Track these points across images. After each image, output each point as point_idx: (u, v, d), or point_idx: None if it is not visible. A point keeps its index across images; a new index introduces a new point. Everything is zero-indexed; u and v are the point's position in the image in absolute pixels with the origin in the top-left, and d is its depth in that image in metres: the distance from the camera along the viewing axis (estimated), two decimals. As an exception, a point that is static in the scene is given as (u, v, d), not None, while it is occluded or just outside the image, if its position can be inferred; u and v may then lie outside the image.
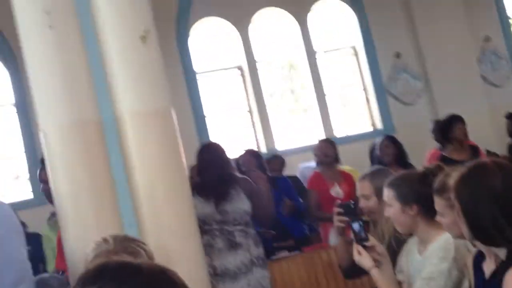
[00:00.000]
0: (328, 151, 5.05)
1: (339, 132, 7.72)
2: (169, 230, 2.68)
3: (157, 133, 2.80)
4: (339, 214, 2.74)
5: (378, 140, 5.20)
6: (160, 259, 2.46)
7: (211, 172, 3.90)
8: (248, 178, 4.05)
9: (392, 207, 2.47)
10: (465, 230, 1.82)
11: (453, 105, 6.62)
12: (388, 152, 4.84)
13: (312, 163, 5.55)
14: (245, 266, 3.80)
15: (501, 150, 6.51)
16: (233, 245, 3.80)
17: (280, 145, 7.51)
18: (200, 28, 7.80)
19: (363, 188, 2.91)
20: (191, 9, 7.49)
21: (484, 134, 6.62)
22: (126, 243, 2.18)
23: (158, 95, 2.85)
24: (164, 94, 2.89)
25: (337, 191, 4.91)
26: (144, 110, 2.78)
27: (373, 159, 5.23)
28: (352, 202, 2.98)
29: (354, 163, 5.79)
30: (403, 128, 7.15)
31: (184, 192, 2.81)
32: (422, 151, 5.61)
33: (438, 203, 2.09)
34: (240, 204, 3.85)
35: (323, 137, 6.92)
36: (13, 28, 2.81)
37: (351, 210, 2.81)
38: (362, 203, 2.91)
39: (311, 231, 5.38)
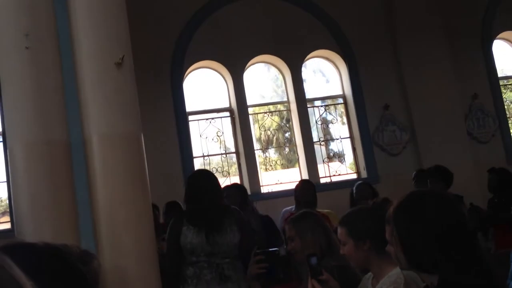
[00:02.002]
0: (306, 191, 5.04)
1: (324, 179, 7.75)
2: (126, 253, 2.68)
3: (123, 157, 2.85)
4: (260, 260, 2.92)
5: (355, 185, 5.24)
6: (115, 280, 2.47)
7: (206, 200, 3.66)
8: (239, 210, 3.98)
9: (347, 245, 2.50)
10: (401, 256, 1.83)
11: (438, 158, 6.69)
12: (364, 195, 4.87)
13: (294, 207, 5.56)
14: None
15: (484, 205, 6.53)
16: (222, 278, 3.61)
17: (265, 189, 7.53)
18: (196, 71, 7.98)
19: (288, 231, 3.03)
20: (188, 51, 7.68)
21: (468, 189, 6.64)
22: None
23: (128, 119, 2.91)
24: (134, 119, 2.95)
25: None
26: (112, 133, 2.84)
27: (351, 203, 5.26)
28: (276, 249, 3.13)
29: (335, 208, 5.79)
30: (387, 178, 7.22)
31: (145, 217, 2.83)
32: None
33: (387, 231, 2.11)
34: (232, 237, 3.67)
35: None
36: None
37: (275, 256, 3.00)
38: (289, 245, 3.02)
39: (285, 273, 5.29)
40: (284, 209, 6.19)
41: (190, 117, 7.78)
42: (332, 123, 8.21)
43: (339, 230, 2.57)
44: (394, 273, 2.36)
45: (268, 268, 3.01)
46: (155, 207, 5.12)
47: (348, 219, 2.58)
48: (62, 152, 2.76)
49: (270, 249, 3.14)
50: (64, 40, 2.90)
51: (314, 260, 2.47)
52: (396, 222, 1.82)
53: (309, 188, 5.17)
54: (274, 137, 8.35)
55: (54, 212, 2.67)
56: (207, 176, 3.83)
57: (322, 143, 8.10)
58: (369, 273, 2.60)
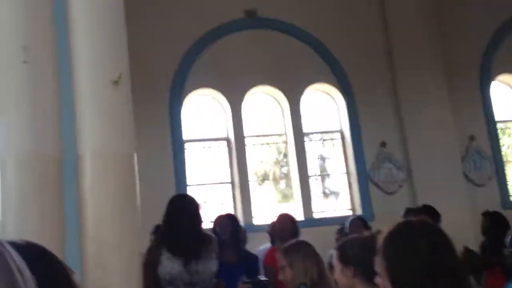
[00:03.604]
0: (285, 226, 4.93)
1: (318, 214, 7.67)
2: (112, 274, 2.61)
3: (115, 177, 2.79)
4: None
5: (348, 220, 5.17)
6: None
7: (186, 227, 3.52)
8: (215, 237, 3.86)
9: (336, 269, 2.49)
10: (388, 287, 1.77)
11: (433, 199, 6.61)
12: (358, 231, 4.79)
13: (268, 245, 5.47)
14: None
15: (477, 248, 6.44)
16: None
17: (258, 221, 7.44)
18: (194, 98, 7.98)
19: (280, 260, 2.98)
20: (188, 78, 7.70)
21: (464, 232, 6.58)
22: None
23: (122, 139, 2.87)
24: (128, 139, 2.91)
25: None
26: (105, 152, 2.80)
27: (341, 237, 5.17)
28: (265, 278, 3.08)
29: (328, 243, 5.71)
30: (382, 216, 7.14)
31: (134, 239, 2.76)
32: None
33: (376, 262, 2.06)
34: (211, 265, 3.55)
35: (300, 216, 6.85)
36: None
37: (263, 286, 2.96)
38: (281, 275, 2.96)
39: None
40: (258, 249, 5.99)
41: (186, 145, 7.75)
42: (329, 158, 8.18)
43: (334, 253, 2.58)
44: (383, 304, 2.31)
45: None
46: None
47: (341, 243, 2.61)
48: (54, 167, 2.71)
49: (259, 279, 3.08)
50: (62, 55, 2.87)
51: None
52: (385, 252, 1.77)
53: (289, 222, 5.04)
54: (271, 172, 8.30)
55: (41, 227, 2.60)
56: (187, 201, 3.72)
57: (318, 177, 8.05)
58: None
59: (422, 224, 1.81)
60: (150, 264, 3.38)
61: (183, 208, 3.61)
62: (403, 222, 1.85)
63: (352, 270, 2.43)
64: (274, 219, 5.88)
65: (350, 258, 2.45)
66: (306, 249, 2.97)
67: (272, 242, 5.85)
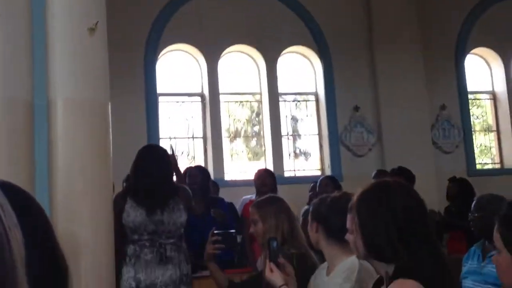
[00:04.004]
0: (266, 180, 5.03)
1: (288, 173, 7.78)
2: (81, 221, 2.63)
3: (87, 125, 2.78)
4: (216, 241, 2.90)
5: (319, 179, 5.27)
6: (68, 246, 2.41)
7: (153, 177, 3.48)
8: (187, 188, 3.88)
9: (309, 222, 2.57)
10: (359, 244, 1.82)
11: (401, 163, 6.73)
12: (327, 190, 4.87)
13: (254, 195, 5.53)
14: (173, 283, 3.44)
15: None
16: (163, 259, 3.45)
17: (229, 176, 7.51)
18: (170, 53, 7.88)
19: (252, 214, 3.00)
20: (165, 32, 7.58)
21: (429, 196, 6.70)
22: None
23: (96, 87, 2.85)
24: (103, 87, 2.89)
25: None
26: (78, 99, 2.78)
27: (313, 196, 5.27)
28: (233, 231, 3.14)
29: (297, 201, 5.81)
30: (350, 177, 7.26)
31: (104, 187, 2.78)
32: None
33: (348, 219, 2.11)
34: (178, 216, 3.52)
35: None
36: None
37: (232, 238, 3.01)
38: (251, 228, 2.99)
39: (239, 258, 5.20)
40: (244, 197, 6.16)
41: (160, 98, 7.70)
42: (302, 120, 8.23)
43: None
44: (349, 261, 2.38)
45: (224, 249, 2.99)
46: None
47: (316, 200, 2.70)
48: (25, 112, 2.68)
49: (228, 231, 3.13)
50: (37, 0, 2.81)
51: (274, 244, 2.49)
52: (358, 210, 1.81)
53: (268, 177, 5.14)
54: (242, 129, 8.32)
55: (9, 171, 2.58)
56: (156, 151, 3.69)
57: (290, 137, 8.12)
58: (325, 262, 2.62)
59: (398, 184, 1.84)
60: (116, 211, 3.34)
61: (152, 158, 3.58)
62: (379, 181, 1.90)
63: (315, 225, 2.50)
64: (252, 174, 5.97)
65: (316, 214, 2.52)
66: (280, 205, 3.00)
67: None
